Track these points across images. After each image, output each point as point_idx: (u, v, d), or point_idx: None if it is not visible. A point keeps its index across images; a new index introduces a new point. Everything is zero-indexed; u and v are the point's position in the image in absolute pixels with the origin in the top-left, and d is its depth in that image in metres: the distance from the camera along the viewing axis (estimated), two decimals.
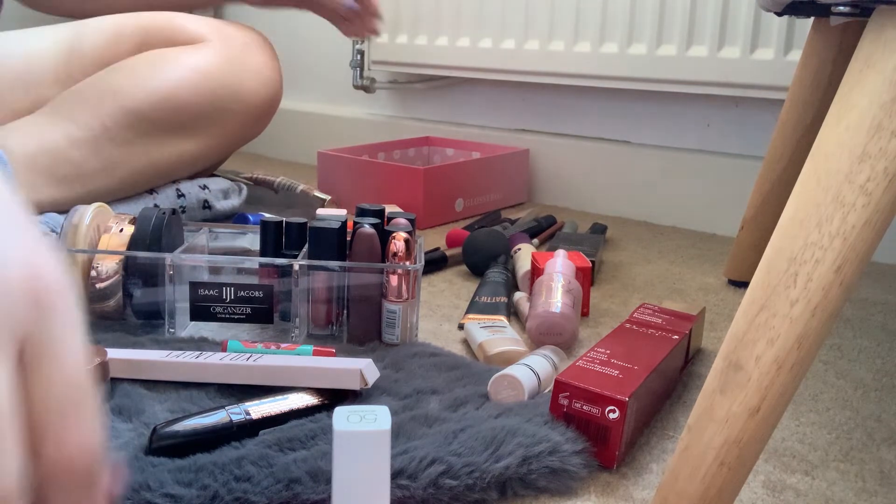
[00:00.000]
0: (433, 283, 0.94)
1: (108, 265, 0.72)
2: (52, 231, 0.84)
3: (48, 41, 1.05)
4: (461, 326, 0.80)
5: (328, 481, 0.48)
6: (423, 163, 1.43)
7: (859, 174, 0.42)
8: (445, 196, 1.20)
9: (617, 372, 0.57)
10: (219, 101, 1.03)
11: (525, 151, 1.33)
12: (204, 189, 1.09)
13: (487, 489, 0.50)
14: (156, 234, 0.73)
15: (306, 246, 0.76)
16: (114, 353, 0.62)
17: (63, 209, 0.92)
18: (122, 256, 0.72)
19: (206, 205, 1.09)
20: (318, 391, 0.59)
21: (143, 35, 1.05)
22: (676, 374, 0.68)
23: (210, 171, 1.18)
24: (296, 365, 0.61)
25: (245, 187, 1.18)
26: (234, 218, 1.11)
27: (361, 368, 0.59)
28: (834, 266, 0.42)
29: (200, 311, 0.72)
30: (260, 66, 1.07)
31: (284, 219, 0.77)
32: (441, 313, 0.84)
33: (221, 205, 1.11)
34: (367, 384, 0.60)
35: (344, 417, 0.41)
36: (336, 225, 0.72)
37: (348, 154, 1.29)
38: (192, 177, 1.10)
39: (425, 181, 1.16)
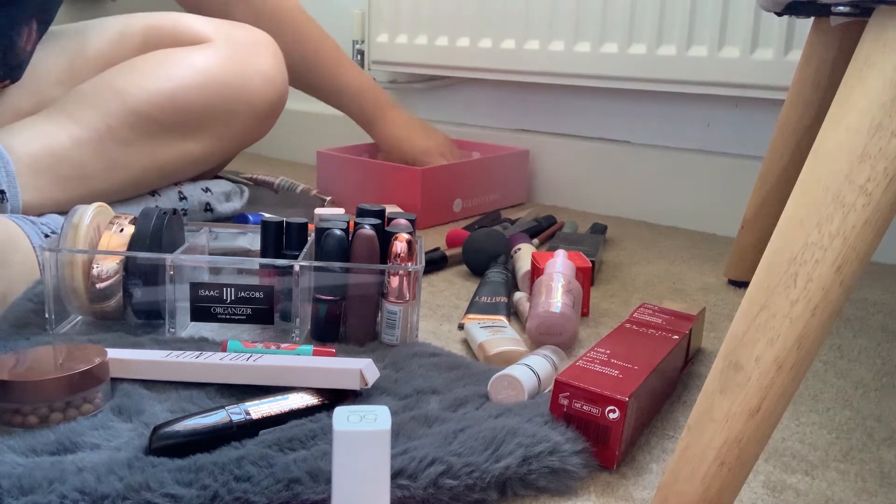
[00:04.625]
0: (433, 283, 0.94)
1: (109, 265, 0.72)
2: (53, 232, 0.84)
3: (53, 41, 1.05)
4: (461, 326, 0.80)
5: (328, 481, 0.48)
6: None
7: (859, 174, 0.42)
8: (443, 196, 1.20)
9: (617, 372, 0.57)
10: (223, 101, 1.03)
11: (525, 152, 1.33)
12: (206, 192, 1.09)
13: (487, 489, 0.50)
14: (156, 234, 0.73)
15: (307, 246, 0.76)
16: (114, 353, 0.62)
17: (65, 210, 0.92)
18: (122, 256, 0.72)
19: (207, 207, 1.09)
20: (318, 391, 0.59)
21: (148, 35, 1.05)
22: (676, 374, 0.68)
23: (214, 173, 1.18)
24: (296, 365, 0.61)
25: (247, 189, 1.18)
26: (234, 218, 1.11)
27: (361, 368, 0.59)
28: (834, 266, 0.42)
29: (201, 312, 0.72)
30: (265, 67, 1.07)
31: (285, 219, 0.77)
32: (441, 313, 0.84)
33: (223, 207, 1.11)
34: (367, 384, 0.60)
35: (344, 417, 0.41)
36: (343, 227, 0.72)
37: (347, 154, 1.29)
38: (194, 179, 1.10)
39: (423, 181, 1.16)
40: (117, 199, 0.99)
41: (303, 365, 0.61)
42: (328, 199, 1.20)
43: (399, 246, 0.71)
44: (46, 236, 0.82)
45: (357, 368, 0.59)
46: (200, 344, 0.70)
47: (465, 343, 0.77)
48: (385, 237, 0.73)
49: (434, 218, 1.19)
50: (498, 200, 1.30)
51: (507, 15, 1.32)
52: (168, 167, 1.02)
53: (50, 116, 0.95)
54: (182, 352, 0.64)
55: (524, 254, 0.93)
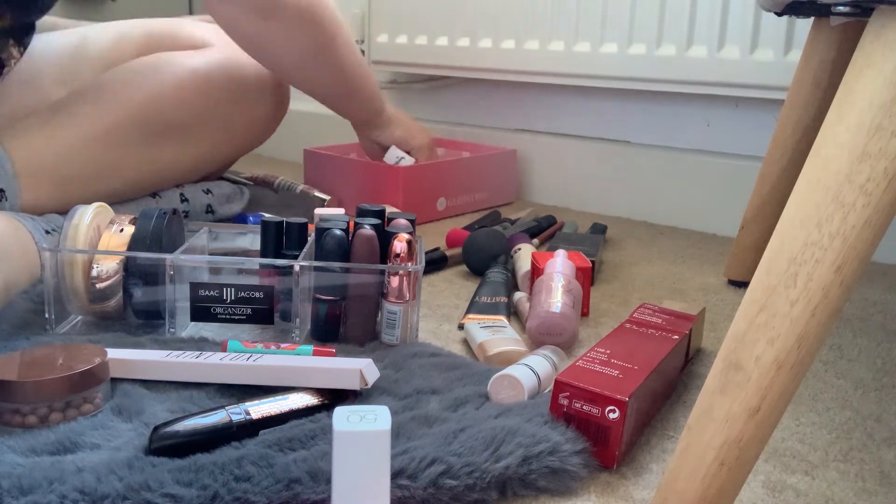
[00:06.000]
0: (433, 283, 0.94)
1: (109, 265, 0.72)
2: (54, 230, 0.84)
3: (54, 43, 1.05)
4: (461, 326, 0.80)
5: (328, 481, 0.48)
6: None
7: (859, 174, 0.42)
8: (426, 195, 1.20)
9: (617, 372, 0.57)
10: (222, 105, 1.03)
11: (512, 151, 1.33)
12: (207, 193, 1.09)
13: (487, 489, 0.50)
14: (156, 234, 0.73)
15: (307, 246, 0.76)
16: (114, 353, 0.62)
17: (64, 211, 0.92)
18: (122, 256, 0.72)
19: (209, 209, 1.09)
20: (318, 391, 0.59)
21: (148, 38, 1.05)
22: (676, 374, 0.68)
23: (217, 175, 1.18)
24: (296, 365, 0.61)
25: (247, 191, 1.18)
26: (234, 218, 1.11)
27: (361, 368, 0.59)
28: (834, 266, 0.42)
29: (201, 312, 0.72)
30: (266, 71, 1.07)
31: (284, 219, 0.77)
32: (441, 313, 0.84)
33: (224, 210, 1.11)
34: (367, 384, 0.60)
35: (344, 417, 0.41)
36: (343, 227, 0.72)
37: (336, 153, 1.29)
38: (196, 180, 1.10)
39: (405, 180, 1.16)
40: (117, 200, 0.99)
41: (303, 365, 0.61)
42: (328, 198, 1.20)
43: (399, 246, 0.71)
44: (48, 233, 0.82)
45: (357, 368, 0.59)
46: (200, 344, 0.70)
47: (465, 343, 0.77)
48: (385, 237, 0.73)
49: (417, 216, 1.20)
50: (484, 199, 1.30)
51: (507, 15, 1.32)
52: (166, 170, 1.02)
53: (50, 117, 0.95)
54: (182, 352, 0.64)
55: (524, 254, 0.93)
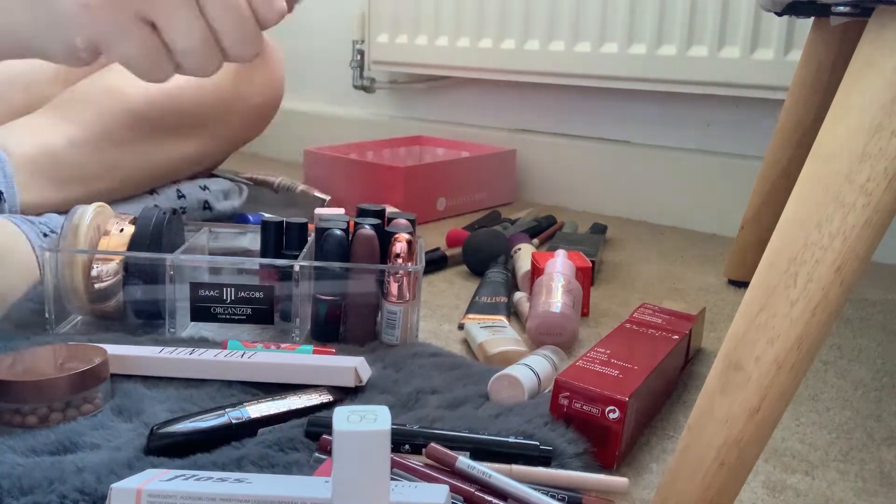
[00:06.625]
0: (433, 283, 0.94)
1: (109, 265, 0.71)
2: (52, 231, 0.84)
3: None
4: (461, 326, 0.80)
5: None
6: (414, 162, 1.43)
7: (859, 174, 0.42)
8: (427, 195, 1.20)
9: (617, 372, 0.57)
10: (221, 101, 1.03)
11: (512, 152, 1.34)
12: (204, 190, 1.09)
13: None
14: (156, 235, 0.73)
15: (307, 246, 0.76)
16: (113, 350, 0.62)
17: (63, 210, 0.92)
18: (122, 257, 0.72)
19: (206, 206, 1.09)
20: (318, 392, 0.59)
21: None
22: (676, 374, 0.68)
23: (209, 171, 1.18)
24: (291, 362, 0.61)
25: (246, 188, 1.18)
26: (234, 218, 1.11)
27: (356, 366, 0.60)
28: (834, 266, 0.42)
29: (201, 312, 0.72)
30: (263, 67, 1.07)
31: (284, 219, 0.77)
32: (441, 313, 0.84)
33: (222, 206, 1.11)
34: (361, 381, 0.60)
35: (344, 417, 0.40)
36: (343, 227, 0.72)
37: (335, 152, 1.29)
38: (191, 177, 1.10)
39: (406, 179, 1.16)
40: (115, 198, 0.99)
41: (298, 362, 0.61)
42: (328, 198, 1.20)
43: (399, 246, 0.71)
44: (45, 235, 0.82)
45: (352, 366, 0.60)
46: (200, 344, 0.70)
47: (465, 343, 0.77)
48: (385, 237, 0.73)
49: (417, 216, 1.20)
50: (484, 200, 1.30)
51: (507, 15, 1.32)
52: (164, 167, 1.02)
53: (47, 116, 0.95)
54: (175, 348, 0.64)
55: (524, 254, 0.93)
